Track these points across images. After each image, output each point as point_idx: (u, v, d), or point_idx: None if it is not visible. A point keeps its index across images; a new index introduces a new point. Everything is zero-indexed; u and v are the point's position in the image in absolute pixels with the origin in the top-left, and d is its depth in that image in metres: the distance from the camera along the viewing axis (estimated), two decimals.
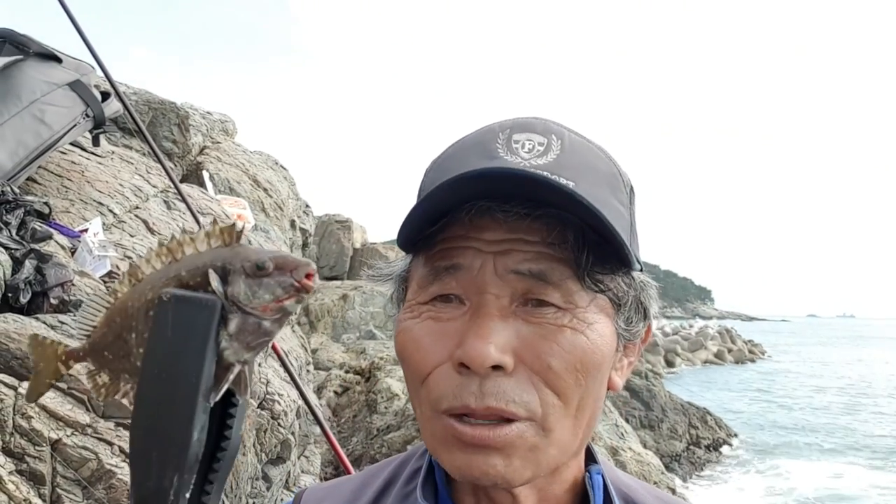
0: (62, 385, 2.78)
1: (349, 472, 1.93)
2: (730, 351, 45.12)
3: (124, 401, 0.70)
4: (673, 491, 8.27)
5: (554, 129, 0.86)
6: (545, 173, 0.79)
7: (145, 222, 4.43)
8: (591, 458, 0.94)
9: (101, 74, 3.85)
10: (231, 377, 0.64)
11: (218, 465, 0.67)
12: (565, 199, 0.77)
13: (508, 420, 0.78)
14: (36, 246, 3.30)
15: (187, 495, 0.62)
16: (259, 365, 3.82)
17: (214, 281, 0.63)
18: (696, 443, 16.36)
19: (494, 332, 0.77)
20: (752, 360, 46.88)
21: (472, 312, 0.80)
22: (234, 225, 0.67)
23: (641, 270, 0.89)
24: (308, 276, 0.65)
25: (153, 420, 0.62)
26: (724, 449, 17.00)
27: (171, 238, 0.68)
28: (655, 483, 8.02)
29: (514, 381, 0.78)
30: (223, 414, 0.68)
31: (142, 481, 0.62)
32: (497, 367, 0.77)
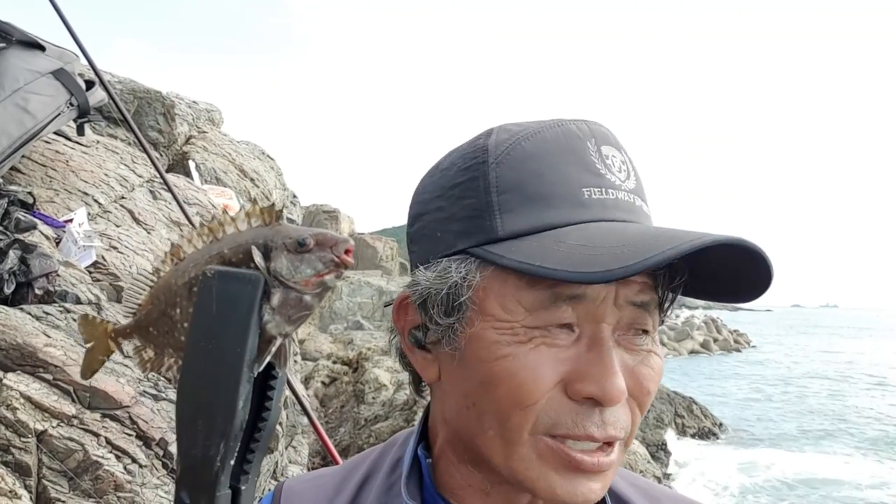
0: (47, 376, 2.76)
1: (337, 463, 1.92)
2: (715, 340, 45.45)
3: (168, 374, 0.73)
4: (659, 480, 8.33)
5: (618, 141, 0.84)
6: (636, 199, 0.80)
7: (131, 212, 4.40)
8: None
9: (86, 63, 3.81)
10: (273, 349, 0.67)
11: (259, 435, 0.69)
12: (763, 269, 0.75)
13: (610, 444, 0.78)
14: (20, 236, 3.27)
15: (231, 462, 0.65)
16: None
17: (257, 257, 0.66)
18: (682, 431, 16.50)
19: (617, 367, 0.76)
20: (738, 350, 47.25)
21: (588, 342, 0.77)
22: (273, 205, 0.69)
23: None
24: (347, 251, 0.68)
25: (199, 391, 0.65)
26: (711, 439, 17.14)
27: (212, 218, 0.71)
28: (641, 472, 8.08)
29: (624, 408, 0.78)
30: (264, 385, 0.70)
31: (188, 449, 0.65)
32: None
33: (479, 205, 0.79)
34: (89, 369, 0.82)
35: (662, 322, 0.84)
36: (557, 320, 0.77)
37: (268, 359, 0.67)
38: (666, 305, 0.82)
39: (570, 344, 0.77)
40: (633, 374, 0.78)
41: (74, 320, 3.08)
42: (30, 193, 3.71)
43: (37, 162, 4.22)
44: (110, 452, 2.69)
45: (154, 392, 2.98)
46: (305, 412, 2.90)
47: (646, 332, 0.80)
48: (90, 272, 3.55)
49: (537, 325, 0.77)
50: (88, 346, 0.80)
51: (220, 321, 0.65)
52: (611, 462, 0.77)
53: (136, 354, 0.76)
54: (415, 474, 0.90)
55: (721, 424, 18.28)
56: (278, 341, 0.67)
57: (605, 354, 0.76)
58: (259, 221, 0.69)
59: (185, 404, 0.66)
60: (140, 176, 4.88)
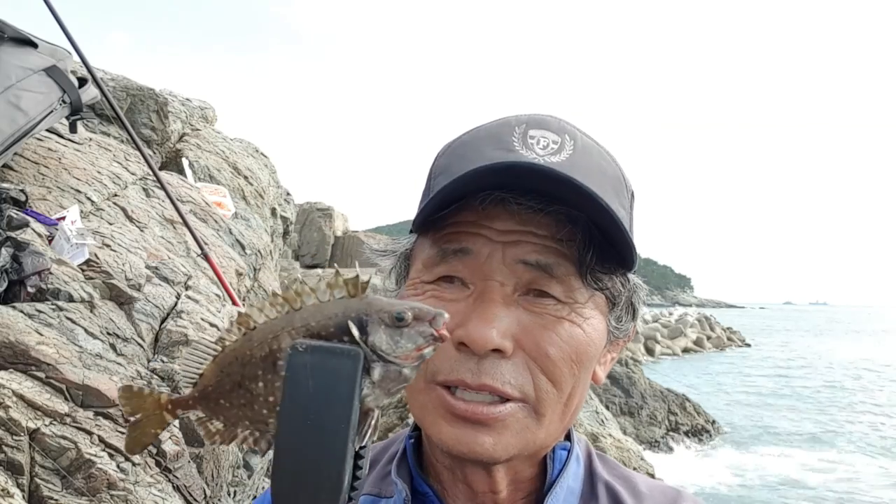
0: (40, 374, 2.76)
1: None
2: (709, 338, 45.59)
3: (243, 446, 0.71)
4: (652, 476, 8.37)
5: (568, 128, 0.90)
6: (560, 171, 0.83)
7: (124, 210, 4.38)
8: (567, 437, 0.98)
9: (78, 60, 3.80)
10: (372, 422, 0.66)
11: None
12: (581, 198, 0.80)
13: (503, 399, 0.82)
14: (12, 234, 3.26)
15: None
16: None
17: (355, 331, 0.65)
18: (675, 429, 16.55)
19: (497, 318, 0.82)
20: (732, 348, 47.41)
21: (476, 296, 0.84)
22: (357, 277, 0.67)
23: (636, 272, 0.93)
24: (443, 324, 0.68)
25: (300, 468, 0.63)
26: (704, 436, 17.19)
27: (287, 288, 0.69)
28: (635, 468, 8.11)
29: (511, 364, 0.82)
30: (355, 455, 0.68)
31: None
32: (496, 350, 0.81)
33: (424, 190, 0.93)
34: (139, 445, 0.76)
35: (601, 290, 0.87)
36: (447, 273, 0.87)
37: (368, 433, 0.66)
38: (590, 278, 0.85)
39: (463, 298, 0.85)
40: (529, 333, 0.83)
41: (68, 318, 3.07)
42: (22, 191, 3.69)
43: (29, 159, 4.21)
44: (103, 451, 2.68)
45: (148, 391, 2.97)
46: None
47: (550, 296, 0.84)
48: (83, 270, 3.54)
49: (430, 280, 0.88)
50: (135, 418, 0.75)
51: (318, 397, 0.63)
52: (498, 416, 0.82)
53: (200, 426, 0.73)
54: (405, 462, 0.97)
55: (714, 422, 18.34)
56: (375, 414, 0.67)
57: (483, 306, 0.83)
58: (342, 293, 0.68)
59: (283, 481, 0.64)
60: (133, 173, 4.86)
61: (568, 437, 0.97)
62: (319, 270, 15.39)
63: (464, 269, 0.86)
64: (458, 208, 0.86)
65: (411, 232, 0.94)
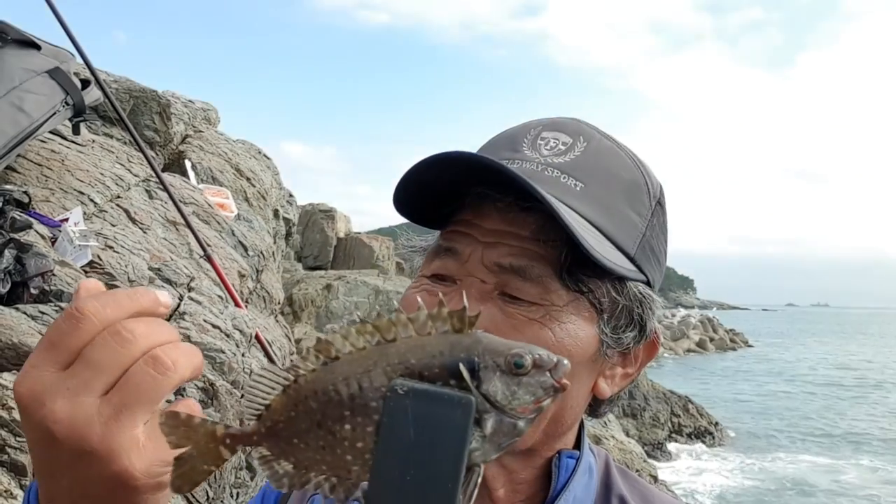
0: None
1: None
2: (711, 340, 45.53)
3: (316, 492, 0.62)
4: (654, 479, 8.35)
5: (585, 130, 0.89)
6: (554, 172, 0.83)
7: (127, 212, 4.39)
8: (576, 445, 0.95)
9: (81, 61, 3.80)
10: (477, 479, 0.58)
11: None
12: (524, 190, 0.78)
13: None
14: (15, 235, 3.26)
15: None
16: (243, 355, 3.81)
17: (467, 376, 0.57)
18: (678, 431, 16.52)
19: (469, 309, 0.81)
20: (734, 349, 47.32)
21: (457, 293, 0.84)
22: (465, 309, 0.59)
23: (650, 285, 0.90)
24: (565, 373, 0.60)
25: None
26: (707, 438, 17.16)
27: (378, 315, 0.61)
28: (638, 471, 8.09)
29: None
30: None
31: None
32: None
33: None
34: (189, 483, 0.63)
35: (582, 293, 0.84)
36: (437, 271, 0.87)
37: (474, 493, 0.58)
38: (568, 278, 0.82)
39: (449, 293, 0.84)
40: (497, 331, 0.80)
41: None
42: (25, 193, 3.70)
43: (32, 161, 4.21)
44: None
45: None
46: None
47: (521, 299, 0.83)
48: (86, 272, 3.54)
49: (426, 274, 0.89)
50: (183, 451, 0.63)
51: (420, 449, 0.55)
52: None
53: (264, 466, 0.63)
54: None
55: (717, 424, 18.30)
56: (480, 470, 0.59)
57: (458, 299, 0.80)
58: (446, 327, 0.59)
59: None
60: (136, 175, 4.86)
61: (578, 447, 0.95)
62: (321, 272, 15.39)
63: (452, 266, 0.87)
64: (461, 206, 0.87)
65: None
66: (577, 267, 0.82)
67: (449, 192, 0.86)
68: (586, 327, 0.85)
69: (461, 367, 0.57)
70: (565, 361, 0.59)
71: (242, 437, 0.63)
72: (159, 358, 0.61)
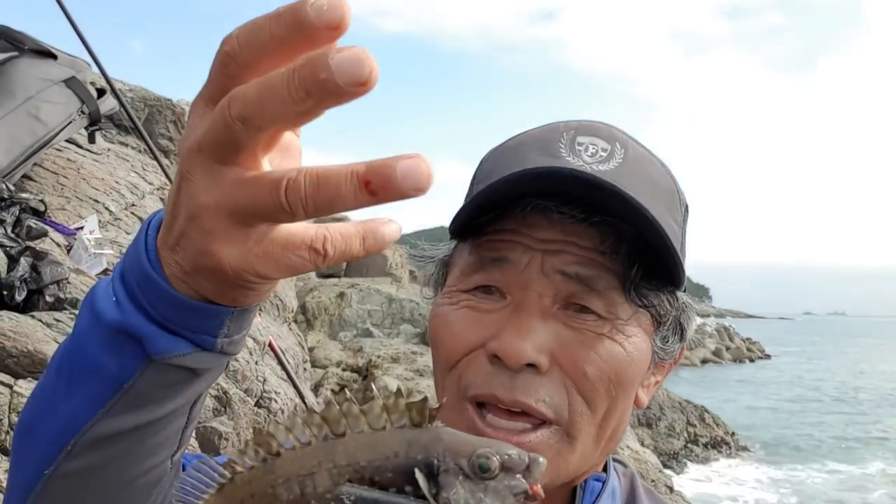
0: None
1: None
2: (728, 349, 45.15)
3: None
4: (670, 489, 8.28)
5: (619, 136, 0.86)
6: (606, 180, 0.79)
7: (141, 220, 4.40)
8: (604, 468, 0.93)
9: (97, 71, 3.83)
10: None
11: None
12: (627, 209, 0.76)
13: (534, 426, 0.78)
14: (31, 243, 3.28)
15: None
16: (256, 363, 3.81)
17: (423, 484, 0.49)
18: (693, 441, 16.38)
19: (533, 331, 0.77)
20: (751, 360, 46.92)
21: (513, 307, 0.80)
22: (425, 400, 0.51)
23: (685, 291, 0.88)
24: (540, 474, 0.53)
25: None
26: (724, 448, 17.01)
27: (328, 404, 0.52)
28: (653, 481, 8.03)
29: (547, 380, 0.78)
30: None
31: None
32: (531, 366, 0.77)
33: (466, 196, 0.90)
34: None
35: (645, 308, 0.82)
36: (484, 282, 0.82)
37: None
38: (634, 294, 0.80)
39: (499, 309, 0.80)
40: (566, 349, 0.78)
41: None
42: (41, 201, 3.72)
43: (48, 170, 4.24)
44: None
45: None
46: None
47: (590, 311, 0.80)
48: (101, 279, 3.56)
49: (467, 289, 0.83)
50: None
51: None
52: (530, 445, 0.76)
53: None
54: None
55: (734, 434, 18.12)
56: None
57: (519, 317, 0.78)
58: (404, 420, 0.51)
59: None
60: (151, 183, 4.89)
61: (605, 469, 0.92)
62: (334, 280, 15.42)
63: (501, 278, 0.81)
64: (499, 215, 0.81)
65: (451, 238, 0.90)
66: (641, 281, 0.80)
67: (491, 203, 0.81)
68: (646, 341, 0.84)
69: (417, 472, 0.49)
70: (540, 460, 0.52)
71: None
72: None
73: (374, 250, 0.51)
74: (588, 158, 0.81)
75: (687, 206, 0.90)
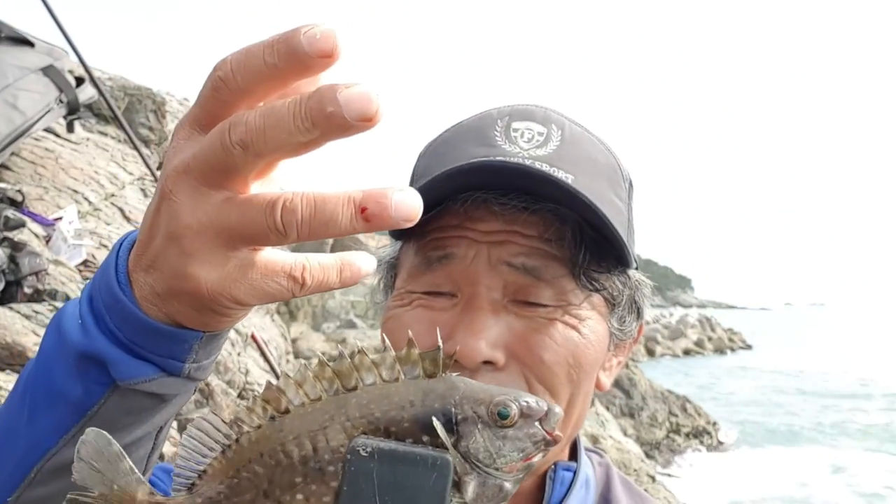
0: None
1: None
2: (710, 339, 45.54)
3: None
4: (653, 479, 8.34)
5: (554, 118, 0.85)
6: (543, 165, 0.78)
7: (121, 210, 4.37)
8: (573, 455, 0.92)
9: (75, 59, 3.78)
10: None
11: None
12: (565, 195, 0.76)
13: None
14: (9, 234, 3.24)
15: None
16: (238, 355, 3.79)
17: (442, 432, 0.48)
18: (675, 430, 16.52)
19: (486, 328, 0.77)
20: (732, 350, 47.36)
21: (463, 305, 0.79)
22: (439, 350, 0.50)
23: (637, 268, 0.88)
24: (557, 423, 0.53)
25: None
26: (705, 437, 17.18)
27: (339, 356, 0.51)
28: (635, 471, 8.09)
29: (505, 375, 0.77)
30: None
31: None
32: (487, 363, 0.76)
33: None
34: None
35: (597, 291, 0.82)
36: (433, 284, 0.81)
37: None
38: (584, 279, 0.80)
39: (450, 308, 0.80)
40: (521, 340, 0.78)
41: None
42: (19, 191, 3.68)
43: (26, 159, 4.19)
44: None
45: None
46: None
47: (538, 303, 0.79)
48: (80, 270, 3.52)
49: (417, 290, 0.82)
50: (89, 500, 0.52)
51: None
52: None
53: None
54: None
55: (715, 423, 18.31)
56: None
57: (471, 315, 0.78)
58: (417, 371, 0.50)
59: None
60: (131, 173, 4.84)
61: (574, 457, 0.91)
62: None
63: (449, 276, 0.80)
64: (441, 212, 0.80)
65: (395, 239, 0.89)
66: (590, 265, 0.80)
67: (431, 201, 0.79)
68: (602, 323, 0.83)
69: (434, 420, 0.48)
70: (556, 409, 0.52)
71: None
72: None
73: (351, 282, 0.51)
74: (524, 144, 0.81)
75: (631, 182, 0.89)
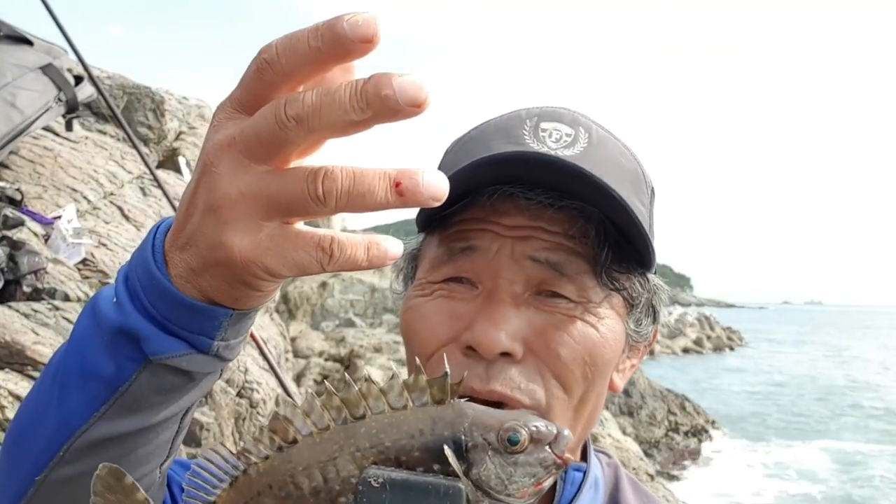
0: (36, 374, 2.73)
1: None
2: (708, 338, 45.55)
3: None
4: (651, 477, 8.35)
5: (582, 121, 0.86)
6: (572, 163, 0.78)
7: (120, 209, 4.36)
8: (583, 455, 0.93)
9: (74, 57, 3.77)
10: None
11: None
12: (594, 192, 0.76)
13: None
14: (8, 233, 3.23)
15: None
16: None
17: (454, 460, 0.48)
18: (674, 429, 16.53)
19: (506, 319, 0.77)
20: (731, 348, 47.38)
21: (484, 296, 0.80)
22: (446, 376, 0.50)
23: (655, 273, 0.89)
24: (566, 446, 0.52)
25: None
26: (704, 436, 17.19)
27: (347, 386, 0.50)
28: (634, 469, 8.10)
29: (522, 368, 0.78)
30: None
31: None
32: (505, 354, 0.77)
33: None
34: None
35: (617, 290, 0.82)
36: (454, 273, 0.82)
37: None
38: (605, 277, 0.81)
39: (471, 299, 0.81)
40: (540, 334, 0.79)
41: (64, 318, 3.05)
42: (18, 190, 3.67)
43: (25, 158, 4.18)
44: None
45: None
46: None
47: (562, 296, 0.80)
48: (79, 269, 3.51)
49: (438, 280, 0.83)
50: None
51: None
52: None
53: None
54: None
55: (714, 422, 18.32)
56: None
57: (492, 307, 0.78)
58: (425, 398, 0.50)
59: None
60: (129, 172, 4.84)
61: (584, 458, 0.92)
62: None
63: (471, 267, 0.81)
64: (466, 205, 0.81)
65: (419, 231, 0.90)
66: (612, 264, 0.80)
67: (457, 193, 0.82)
68: (620, 324, 0.84)
69: (446, 448, 0.48)
70: (566, 432, 0.52)
71: None
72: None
73: (378, 263, 0.52)
74: (552, 144, 0.81)
75: (653, 189, 0.90)
